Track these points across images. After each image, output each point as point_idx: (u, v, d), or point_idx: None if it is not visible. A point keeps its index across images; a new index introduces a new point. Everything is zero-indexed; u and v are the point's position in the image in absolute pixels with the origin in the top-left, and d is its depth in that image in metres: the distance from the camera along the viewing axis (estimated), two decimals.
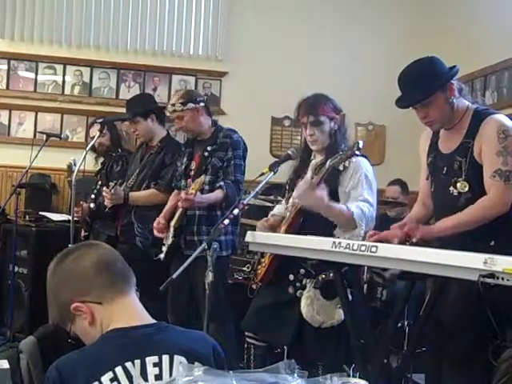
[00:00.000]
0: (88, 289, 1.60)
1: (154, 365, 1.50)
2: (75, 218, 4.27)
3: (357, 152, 2.82)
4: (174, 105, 3.84)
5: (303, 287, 2.98)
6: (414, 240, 2.55)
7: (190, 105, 3.80)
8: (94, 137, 4.57)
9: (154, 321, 1.64)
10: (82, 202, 4.49)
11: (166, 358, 1.52)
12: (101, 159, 4.86)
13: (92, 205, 4.45)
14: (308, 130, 3.13)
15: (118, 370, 1.47)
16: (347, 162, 2.95)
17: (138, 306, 1.65)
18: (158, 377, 1.49)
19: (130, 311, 1.62)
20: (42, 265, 5.24)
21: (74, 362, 1.51)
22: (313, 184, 2.84)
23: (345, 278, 2.72)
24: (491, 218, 2.53)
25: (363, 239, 2.88)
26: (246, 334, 3.22)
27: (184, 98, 3.82)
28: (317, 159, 3.15)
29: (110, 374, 1.46)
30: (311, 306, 2.91)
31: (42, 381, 1.83)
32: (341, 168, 2.97)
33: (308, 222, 3.04)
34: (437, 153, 2.80)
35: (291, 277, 3.03)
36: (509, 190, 2.55)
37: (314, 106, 3.13)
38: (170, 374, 1.50)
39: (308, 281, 2.97)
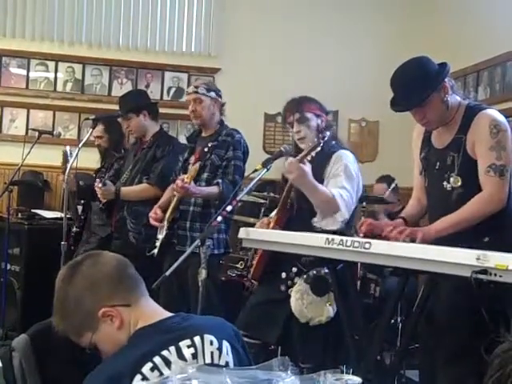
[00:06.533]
0: (115, 292, 1.63)
1: (188, 347, 1.56)
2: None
3: (321, 141, 2.97)
4: (197, 87, 3.89)
5: (294, 285, 2.99)
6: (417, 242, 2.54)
7: (213, 94, 3.89)
8: (95, 136, 4.59)
9: (173, 314, 1.69)
10: (72, 176, 4.25)
11: (197, 338, 1.58)
12: (103, 158, 4.87)
13: (81, 182, 4.42)
14: (295, 127, 3.14)
15: (156, 359, 1.52)
16: (330, 155, 3.05)
17: (156, 304, 1.72)
18: (195, 355, 1.56)
19: (152, 310, 1.68)
20: (34, 262, 5.25)
21: (118, 368, 1.52)
22: (297, 159, 2.94)
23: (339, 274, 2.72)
24: (489, 213, 2.53)
25: (347, 228, 2.93)
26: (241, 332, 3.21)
27: (209, 86, 3.94)
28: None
29: (149, 365, 1.51)
30: (301, 299, 2.91)
31: (35, 379, 1.82)
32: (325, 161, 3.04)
33: (292, 222, 3.06)
34: (430, 148, 2.80)
35: (283, 275, 3.03)
36: (504, 185, 2.56)
37: (299, 104, 3.16)
38: (204, 352, 1.57)
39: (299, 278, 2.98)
